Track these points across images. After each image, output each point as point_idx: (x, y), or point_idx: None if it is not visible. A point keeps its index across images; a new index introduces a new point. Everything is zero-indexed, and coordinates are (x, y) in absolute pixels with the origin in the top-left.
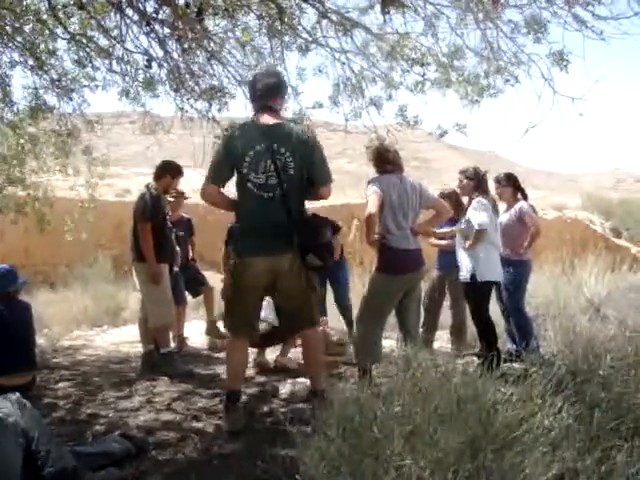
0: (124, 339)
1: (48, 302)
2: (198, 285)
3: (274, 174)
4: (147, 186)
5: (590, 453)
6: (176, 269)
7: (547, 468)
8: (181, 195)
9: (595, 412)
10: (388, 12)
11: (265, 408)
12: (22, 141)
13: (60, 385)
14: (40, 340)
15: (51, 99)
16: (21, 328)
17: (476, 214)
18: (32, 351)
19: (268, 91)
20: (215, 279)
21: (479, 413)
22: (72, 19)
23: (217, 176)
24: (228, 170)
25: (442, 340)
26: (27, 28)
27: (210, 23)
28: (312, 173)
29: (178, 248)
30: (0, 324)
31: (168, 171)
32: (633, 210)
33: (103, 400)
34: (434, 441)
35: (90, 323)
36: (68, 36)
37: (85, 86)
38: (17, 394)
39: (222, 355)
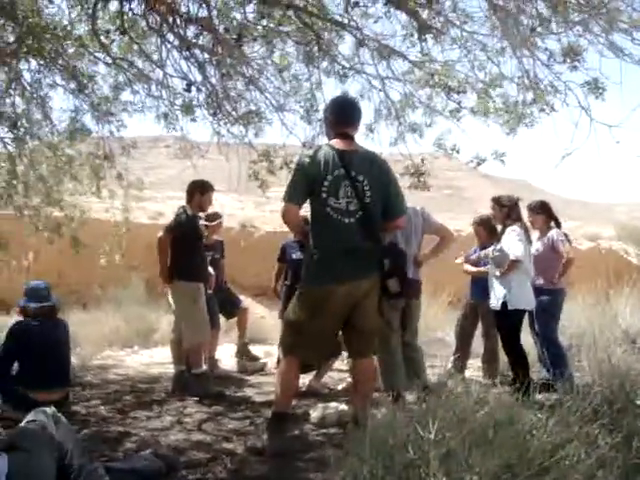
0: (154, 360)
1: (80, 322)
2: (232, 307)
3: (354, 200)
4: (182, 207)
5: None
6: (209, 292)
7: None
8: (218, 217)
9: (633, 442)
10: (425, 39)
11: (296, 431)
12: (60, 162)
13: (91, 402)
14: (72, 358)
15: (89, 122)
16: (59, 345)
17: (511, 244)
18: (68, 368)
19: (347, 119)
20: (245, 303)
21: (515, 438)
22: (113, 44)
23: (295, 196)
24: (306, 192)
25: (473, 369)
26: (69, 52)
27: (248, 49)
28: (388, 202)
29: (212, 271)
30: (40, 342)
31: (196, 189)
32: None
33: (134, 419)
34: (469, 465)
35: (121, 344)
36: (109, 60)
37: (123, 110)
38: (53, 408)
39: (252, 378)
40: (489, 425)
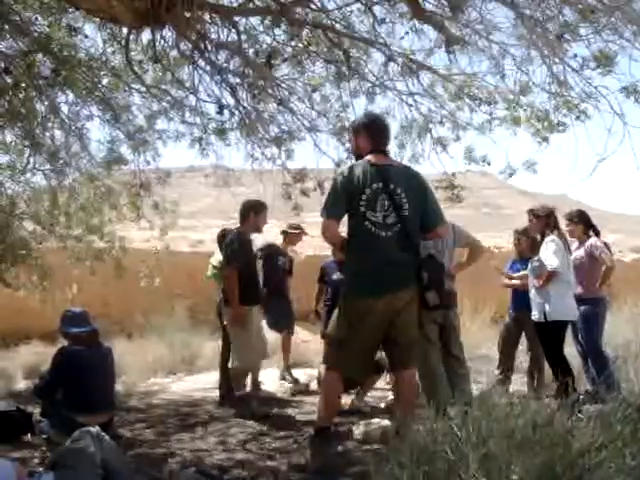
0: (199, 386)
1: (125, 351)
2: (287, 323)
3: (392, 212)
4: (236, 230)
5: None
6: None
7: None
8: (301, 231)
9: None
10: (453, 52)
11: (339, 448)
12: (98, 192)
13: (136, 426)
14: (117, 386)
15: (125, 152)
16: (103, 369)
17: (549, 254)
18: (112, 391)
19: (382, 135)
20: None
21: (555, 437)
22: (147, 73)
23: (335, 211)
24: (344, 207)
25: (518, 384)
26: (104, 83)
27: (279, 72)
28: (426, 214)
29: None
30: (85, 366)
31: (250, 209)
32: None
33: (178, 440)
34: (509, 466)
35: (166, 371)
36: (143, 89)
37: (158, 138)
38: (97, 427)
39: (295, 399)
40: (529, 427)
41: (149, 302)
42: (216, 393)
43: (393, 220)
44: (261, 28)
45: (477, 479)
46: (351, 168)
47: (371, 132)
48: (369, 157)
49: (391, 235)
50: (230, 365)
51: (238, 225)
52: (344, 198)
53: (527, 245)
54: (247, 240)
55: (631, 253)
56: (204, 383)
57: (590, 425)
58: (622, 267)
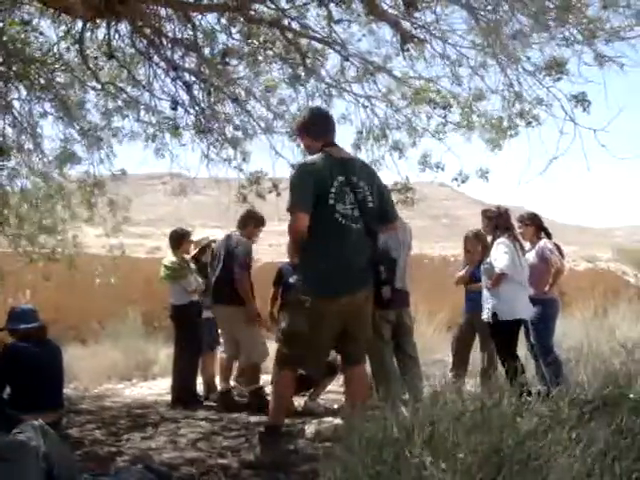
0: (153, 392)
1: (78, 356)
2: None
3: (357, 206)
4: (239, 234)
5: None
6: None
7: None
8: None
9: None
10: (407, 49)
11: (291, 446)
12: (51, 191)
13: (85, 427)
14: (68, 391)
15: (79, 150)
16: (52, 368)
17: (499, 256)
18: (60, 391)
19: (328, 126)
20: None
21: (503, 419)
22: (102, 70)
23: (305, 204)
24: (313, 200)
25: (469, 385)
26: (58, 79)
27: (235, 70)
28: (383, 207)
29: None
30: (31, 363)
31: (251, 219)
32: None
33: (127, 440)
34: (455, 444)
35: (120, 377)
36: (98, 86)
37: (113, 135)
38: (41, 421)
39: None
40: (478, 410)
41: (104, 308)
42: (169, 397)
43: (358, 213)
44: (218, 27)
45: (423, 459)
46: (314, 160)
47: (317, 127)
48: (327, 150)
49: (359, 228)
50: (244, 362)
51: (237, 230)
52: (312, 191)
53: (478, 250)
54: (249, 245)
55: (584, 262)
56: (159, 389)
57: (537, 407)
58: (575, 276)
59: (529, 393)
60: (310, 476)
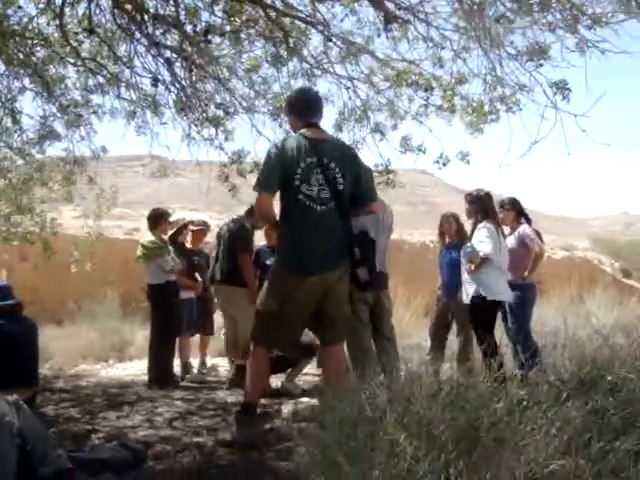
0: (130, 373)
1: (54, 337)
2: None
3: (326, 187)
4: (240, 221)
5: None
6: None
7: (550, 450)
8: (206, 226)
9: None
10: (390, 30)
11: (267, 426)
12: (30, 169)
13: (61, 405)
14: (44, 370)
15: (59, 127)
16: (27, 345)
17: (481, 240)
18: (36, 368)
19: (313, 107)
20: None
21: (479, 399)
22: (83, 45)
23: (269, 184)
24: (278, 180)
25: (446, 368)
26: (38, 54)
27: (217, 49)
28: (360, 189)
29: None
30: (8, 340)
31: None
32: None
33: (103, 418)
34: (429, 421)
35: (95, 358)
36: (79, 62)
37: (93, 112)
38: (15, 396)
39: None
40: (454, 389)
41: (81, 289)
42: (146, 378)
43: (328, 195)
44: (200, 4)
45: (396, 435)
46: (284, 141)
47: (299, 107)
48: (303, 130)
49: (326, 210)
50: (244, 342)
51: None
52: (278, 171)
53: (453, 233)
54: (252, 229)
55: (561, 251)
56: (135, 370)
57: (514, 387)
58: (553, 264)
59: (504, 378)
60: (285, 455)
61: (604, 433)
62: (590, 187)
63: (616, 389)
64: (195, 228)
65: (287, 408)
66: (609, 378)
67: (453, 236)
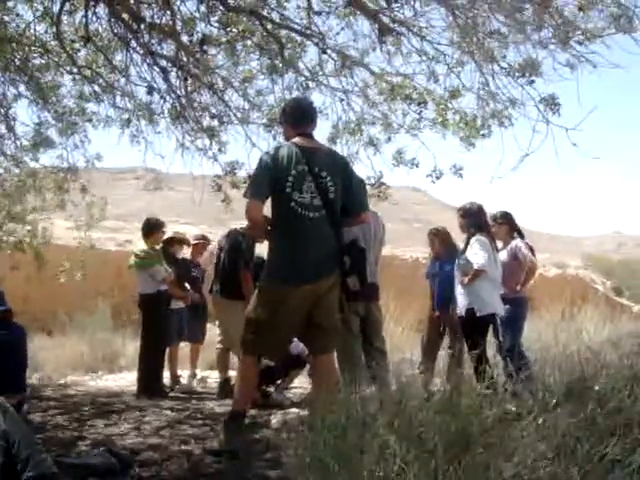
0: (119, 384)
1: (43, 347)
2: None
3: (317, 195)
4: (239, 234)
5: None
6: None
7: (538, 454)
8: (206, 240)
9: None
10: (385, 42)
11: (256, 436)
12: (23, 177)
13: (49, 412)
14: (32, 380)
15: (54, 134)
16: (15, 351)
17: (475, 252)
18: (23, 374)
19: (306, 117)
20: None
21: (471, 407)
22: (79, 54)
23: (259, 192)
24: (269, 188)
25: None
26: (34, 61)
27: (213, 59)
28: (351, 198)
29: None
30: None
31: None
32: (635, 269)
33: (91, 426)
34: (420, 424)
35: (85, 369)
36: (74, 69)
37: (88, 120)
38: (1, 398)
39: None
40: (446, 394)
41: (73, 300)
42: (135, 389)
43: (319, 203)
44: (197, 14)
45: (386, 438)
46: (277, 149)
47: (293, 117)
48: (295, 139)
49: (318, 217)
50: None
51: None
52: (268, 179)
53: (438, 246)
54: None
55: (554, 268)
56: (125, 382)
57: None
58: (545, 282)
59: (495, 388)
60: (274, 463)
61: (591, 440)
62: (582, 206)
63: (604, 399)
64: (196, 242)
65: (276, 418)
66: (597, 388)
67: (438, 251)
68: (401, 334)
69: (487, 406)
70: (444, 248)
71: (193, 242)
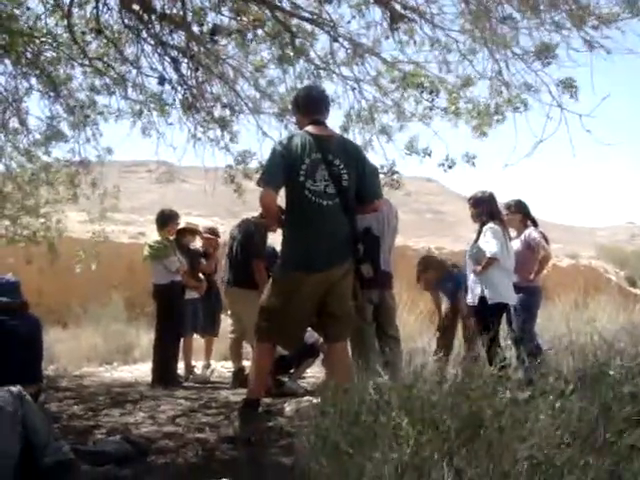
0: (134, 375)
1: (58, 339)
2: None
3: (331, 183)
4: (253, 224)
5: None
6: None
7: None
8: (216, 235)
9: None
10: (397, 29)
11: (270, 424)
12: (36, 169)
13: (65, 402)
14: (48, 372)
15: (65, 128)
16: (31, 342)
17: (488, 241)
18: (39, 365)
19: (318, 105)
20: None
21: (483, 387)
22: (90, 46)
23: (273, 180)
24: (282, 176)
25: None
26: (45, 54)
27: (223, 49)
28: (364, 186)
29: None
30: (11, 336)
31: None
32: None
33: (106, 415)
34: (432, 406)
35: (100, 360)
36: (86, 61)
37: (99, 113)
38: (19, 387)
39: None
40: (458, 377)
41: (87, 292)
42: (150, 379)
43: (333, 191)
44: (207, 4)
45: (399, 420)
46: (290, 138)
47: (306, 105)
48: (308, 128)
49: (332, 205)
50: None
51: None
52: (282, 167)
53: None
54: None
55: (567, 258)
56: (139, 373)
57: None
58: (558, 272)
59: (508, 374)
60: (288, 450)
61: (608, 426)
62: (595, 196)
63: (618, 386)
64: (208, 236)
65: (290, 406)
66: (611, 373)
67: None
68: (414, 324)
69: (501, 389)
70: (437, 276)
71: (207, 236)
